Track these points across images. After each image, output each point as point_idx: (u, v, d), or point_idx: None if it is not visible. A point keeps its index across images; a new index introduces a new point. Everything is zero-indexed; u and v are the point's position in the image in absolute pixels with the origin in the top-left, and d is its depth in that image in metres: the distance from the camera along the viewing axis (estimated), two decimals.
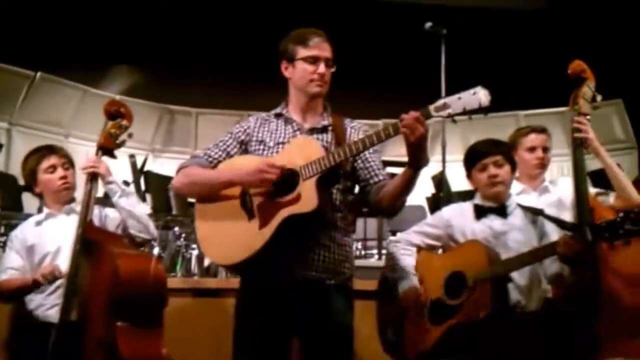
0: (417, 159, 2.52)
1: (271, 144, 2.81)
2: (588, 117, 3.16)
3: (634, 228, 2.57)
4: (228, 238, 2.70)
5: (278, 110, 2.91)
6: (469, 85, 2.44)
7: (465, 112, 2.41)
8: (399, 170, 2.71)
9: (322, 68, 2.77)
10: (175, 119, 10.67)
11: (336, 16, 9.00)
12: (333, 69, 2.82)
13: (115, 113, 3.42)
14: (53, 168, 3.34)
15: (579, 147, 3.09)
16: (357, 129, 2.87)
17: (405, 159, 2.55)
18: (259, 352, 2.68)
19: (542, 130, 3.51)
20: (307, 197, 2.58)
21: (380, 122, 9.16)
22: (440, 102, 2.44)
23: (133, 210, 3.31)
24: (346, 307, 2.75)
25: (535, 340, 2.87)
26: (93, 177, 3.28)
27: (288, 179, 2.61)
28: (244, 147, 2.86)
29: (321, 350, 2.67)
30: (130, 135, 3.42)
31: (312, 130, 2.82)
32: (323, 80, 2.79)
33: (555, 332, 2.90)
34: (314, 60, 2.78)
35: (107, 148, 3.37)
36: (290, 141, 2.78)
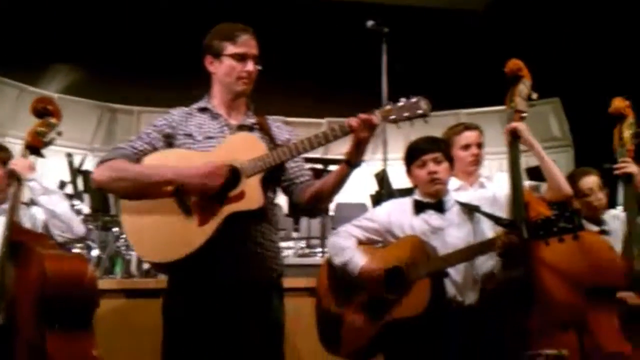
0: (358, 157, 2.58)
1: (200, 137, 2.73)
2: (524, 114, 3.24)
3: (568, 226, 2.63)
4: (164, 235, 2.59)
5: (202, 104, 2.84)
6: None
7: (407, 119, 2.54)
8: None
9: (250, 66, 2.74)
10: (117, 117, 10.53)
11: (278, 15, 8.99)
12: (259, 67, 2.78)
13: (42, 111, 3.33)
14: None
15: (514, 145, 3.16)
16: (281, 127, 2.88)
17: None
18: (199, 353, 2.60)
19: (475, 127, 3.58)
20: (252, 194, 2.56)
21: (324, 121, 9.20)
22: (386, 107, 2.55)
23: (54, 209, 3.25)
24: (280, 304, 2.74)
25: (471, 336, 2.90)
26: (17, 178, 3.19)
27: (228, 174, 2.57)
28: (169, 141, 2.76)
29: (254, 347, 2.61)
30: (59, 134, 3.34)
31: (241, 128, 2.78)
32: (250, 79, 2.76)
33: (488, 327, 2.94)
34: (241, 57, 2.73)
35: (35, 147, 3.28)
36: (225, 136, 2.74)
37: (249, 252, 2.64)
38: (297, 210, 2.89)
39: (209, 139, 2.73)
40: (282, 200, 2.98)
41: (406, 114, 2.53)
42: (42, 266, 2.93)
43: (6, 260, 3.00)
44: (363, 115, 2.51)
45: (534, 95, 3.26)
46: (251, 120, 2.81)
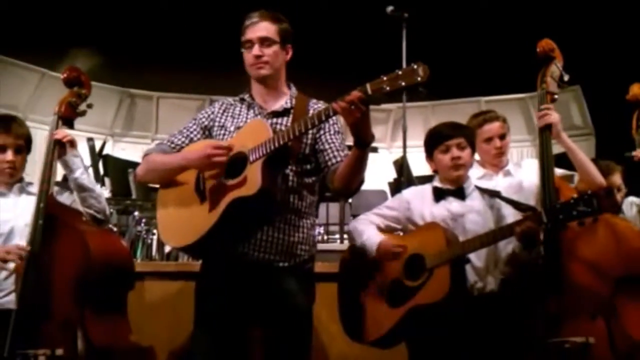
0: (360, 137, 2.52)
1: (232, 128, 2.85)
2: (555, 96, 3.19)
3: (587, 209, 2.61)
4: (181, 221, 2.77)
5: (243, 94, 2.94)
6: (431, 71, 2.39)
7: (403, 88, 2.36)
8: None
9: (255, 50, 2.79)
10: (136, 102, 10.57)
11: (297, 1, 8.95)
12: (275, 47, 2.79)
13: (74, 80, 3.24)
14: (3, 148, 3.09)
15: (545, 130, 3.12)
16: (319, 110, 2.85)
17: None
18: (215, 334, 2.73)
19: (496, 118, 3.43)
20: (251, 179, 2.58)
21: None
22: (379, 79, 2.39)
23: (94, 188, 3.18)
24: (299, 289, 2.75)
25: (492, 322, 2.90)
26: (60, 148, 3.10)
27: (239, 162, 2.63)
28: (208, 133, 2.90)
29: (279, 333, 2.68)
30: (89, 106, 3.25)
31: (274, 114, 2.83)
32: (261, 62, 2.80)
33: (513, 314, 2.94)
34: (248, 44, 2.81)
35: (68, 118, 3.19)
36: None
37: (262, 235, 2.70)
38: (334, 193, 2.93)
39: (239, 129, 2.82)
40: None
41: (402, 83, 2.33)
42: (84, 243, 2.88)
43: (41, 234, 2.88)
44: (348, 97, 2.38)
45: (566, 77, 3.20)
46: (286, 105, 2.85)
